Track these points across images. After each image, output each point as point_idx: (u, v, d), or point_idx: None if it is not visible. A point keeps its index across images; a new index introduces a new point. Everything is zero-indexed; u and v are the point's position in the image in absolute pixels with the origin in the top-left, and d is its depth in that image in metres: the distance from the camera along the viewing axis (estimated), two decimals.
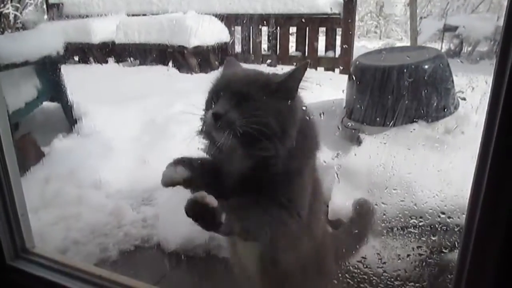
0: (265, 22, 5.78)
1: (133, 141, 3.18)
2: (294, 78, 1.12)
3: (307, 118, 1.20)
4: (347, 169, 2.13)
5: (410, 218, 1.71)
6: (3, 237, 1.22)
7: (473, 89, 1.84)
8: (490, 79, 0.63)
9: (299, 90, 1.17)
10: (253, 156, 1.09)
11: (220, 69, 1.32)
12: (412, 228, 1.69)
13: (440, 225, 1.62)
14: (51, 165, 2.82)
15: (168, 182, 1.13)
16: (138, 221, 2.39)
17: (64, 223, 2.33)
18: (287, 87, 1.12)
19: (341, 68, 5.46)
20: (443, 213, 1.64)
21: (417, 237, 1.65)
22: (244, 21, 5.80)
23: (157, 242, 2.21)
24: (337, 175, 1.99)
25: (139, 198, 2.60)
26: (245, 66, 1.36)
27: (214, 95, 1.15)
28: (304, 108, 1.19)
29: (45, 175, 2.69)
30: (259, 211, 1.11)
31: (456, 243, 1.54)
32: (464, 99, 1.73)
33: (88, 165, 2.83)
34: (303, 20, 5.66)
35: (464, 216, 0.68)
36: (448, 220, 1.61)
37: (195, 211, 0.98)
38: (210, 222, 1.00)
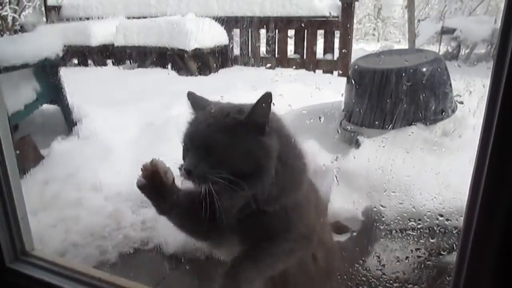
0: (264, 25, 5.80)
1: (132, 144, 3.18)
2: (260, 111, 1.06)
3: (292, 146, 1.17)
4: (346, 171, 2.13)
5: (408, 221, 1.71)
6: (3, 240, 1.22)
7: (471, 93, 1.84)
8: (487, 82, 0.63)
9: (276, 119, 1.15)
10: (236, 198, 1.10)
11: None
12: (411, 230, 1.69)
13: (439, 228, 1.62)
14: (50, 168, 2.82)
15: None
16: (137, 224, 2.39)
17: (63, 225, 2.33)
18: (255, 121, 1.06)
19: (339, 71, 5.47)
20: (441, 216, 1.65)
21: (415, 239, 1.65)
22: (243, 24, 5.82)
23: (157, 244, 2.21)
24: (336, 178, 2.00)
25: (138, 201, 2.58)
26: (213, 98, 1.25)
27: (185, 146, 1.13)
28: (288, 136, 1.17)
29: (44, 178, 2.69)
30: (268, 258, 1.12)
31: (454, 245, 1.54)
32: (461, 102, 1.74)
33: (87, 167, 2.82)
34: (302, 23, 5.68)
35: (462, 218, 0.68)
36: (446, 222, 1.61)
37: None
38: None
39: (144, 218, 2.43)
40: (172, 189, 1.17)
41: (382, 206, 1.76)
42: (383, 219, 1.66)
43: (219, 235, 1.20)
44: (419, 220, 1.71)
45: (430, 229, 1.64)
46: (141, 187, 1.18)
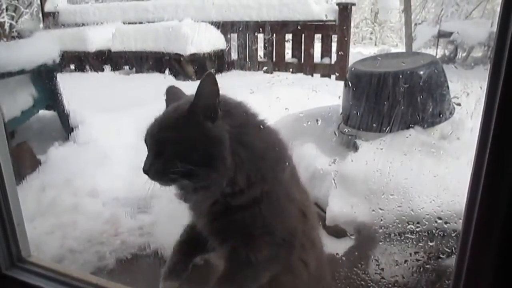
0: (261, 29, 5.81)
1: (130, 149, 3.16)
2: (203, 96, 1.02)
3: (261, 133, 1.11)
4: (343, 175, 2.13)
5: (407, 224, 1.70)
6: None
7: (468, 95, 1.84)
8: (484, 85, 0.63)
9: (232, 104, 1.10)
10: (203, 192, 1.07)
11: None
12: (410, 233, 1.68)
13: (437, 231, 1.62)
14: (47, 174, 2.81)
15: None
16: (135, 229, 2.38)
17: (61, 231, 2.32)
18: (200, 108, 1.02)
19: (337, 74, 5.48)
20: (440, 219, 1.64)
21: (414, 242, 1.64)
22: (240, 29, 5.83)
23: (155, 250, 2.20)
24: (334, 181, 1.99)
25: (136, 206, 2.59)
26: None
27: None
28: (254, 122, 1.12)
29: (41, 184, 2.68)
30: (250, 271, 1.09)
31: (453, 248, 1.53)
32: (459, 104, 1.74)
33: (84, 173, 2.82)
34: (299, 27, 5.70)
35: (461, 221, 0.68)
36: (445, 225, 1.60)
37: None
38: None
39: (141, 223, 2.43)
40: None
41: (380, 209, 1.76)
42: (378, 228, 1.64)
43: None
44: (418, 223, 1.70)
45: (429, 232, 1.63)
46: None
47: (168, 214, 2.36)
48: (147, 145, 1.09)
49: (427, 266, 1.56)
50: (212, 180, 1.03)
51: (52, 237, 2.27)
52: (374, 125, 2.29)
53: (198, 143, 1.02)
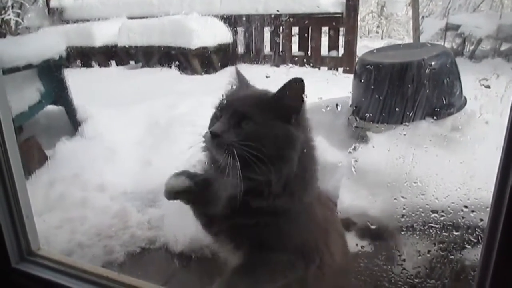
0: (267, 22, 5.76)
1: (137, 143, 3.17)
2: (287, 94, 1.07)
3: (312, 150, 1.16)
4: (350, 166, 2.10)
5: (431, 213, 1.65)
6: (8, 240, 1.20)
7: (498, 76, 1.79)
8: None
9: (303, 116, 1.12)
10: (248, 179, 1.05)
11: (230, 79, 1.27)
12: (433, 223, 1.63)
13: (463, 220, 1.57)
14: (55, 168, 2.81)
15: (171, 191, 1.16)
16: (143, 223, 2.37)
17: (69, 226, 2.31)
18: (283, 105, 1.07)
19: (345, 67, 5.43)
20: (466, 207, 1.59)
21: (438, 232, 1.60)
22: (247, 22, 5.79)
23: (164, 243, 2.19)
24: (354, 168, 1.94)
25: (144, 200, 2.58)
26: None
27: (218, 113, 1.14)
28: (311, 140, 1.15)
29: (49, 178, 2.67)
30: (265, 275, 1.09)
31: (479, 238, 1.49)
32: (488, 87, 1.69)
33: (92, 167, 2.81)
34: (306, 20, 5.65)
35: (488, 210, 0.64)
36: (471, 214, 1.56)
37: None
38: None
39: (150, 217, 2.41)
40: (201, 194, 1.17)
41: (403, 197, 1.71)
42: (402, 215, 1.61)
43: (220, 230, 1.18)
44: (443, 212, 1.64)
45: (454, 221, 1.59)
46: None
47: (176, 208, 2.34)
48: (221, 112, 1.10)
49: (452, 256, 1.52)
50: (266, 174, 1.03)
51: (61, 231, 2.26)
52: (385, 117, 2.26)
53: (278, 134, 1.04)
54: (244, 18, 5.77)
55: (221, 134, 1.03)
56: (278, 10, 5.69)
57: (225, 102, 1.14)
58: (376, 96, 2.29)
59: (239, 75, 1.25)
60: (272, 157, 1.03)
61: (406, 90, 2.20)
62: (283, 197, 1.08)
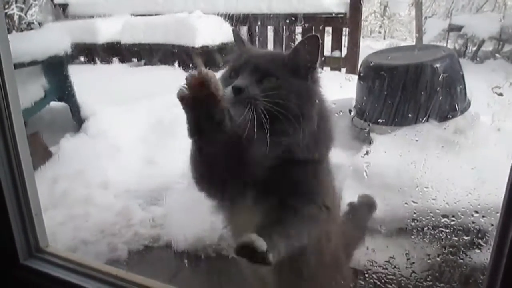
0: (271, 22, 5.76)
1: (141, 141, 3.17)
2: (301, 50, 1.09)
3: (326, 107, 1.17)
4: (357, 168, 2.11)
5: (441, 217, 1.66)
6: (17, 236, 1.21)
7: (511, 84, 1.80)
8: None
9: (317, 73, 1.13)
10: (272, 140, 1.02)
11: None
12: (444, 227, 1.64)
13: (473, 224, 1.58)
14: (59, 165, 2.81)
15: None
16: (146, 221, 2.38)
17: (73, 223, 2.32)
18: (300, 62, 1.09)
19: (347, 68, 5.43)
20: (477, 212, 1.60)
21: (448, 236, 1.61)
22: (250, 21, 5.79)
23: (167, 241, 2.20)
24: (365, 173, 1.95)
25: (147, 198, 2.59)
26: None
27: (233, 72, 1.12)
28: (323, 96, 1.16)
29: (53, 175, 2.68)
30: (296, 221, 1.07)
31: (489, 242, 1.49)
32: (501, 94, 1.70)
33: (95, 165, 2.82)
34: (309, 20, 5.64)
35: (498, 215, 0.65)
36: (481, 219, 1.57)
37: (244, 254, 0.95)
38: (259, 263, 0.95)
39: (153, 215, 2.42)
40: (222, 105, 0.99)
41: (413, 202, 1.72)
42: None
43: (239, 192, 1.13)
44: (453, 216, 1.64)
45: (464, 226, 1.60)
46: (183, 97, 1.00)
47: (179, 206, 2.36)
48: (239, 69, 1.09)
49: (461, 260, 1.53)
50: (292, 133, 1.04)
51: (65, 228, 2.27)
52: (389, 119, 2.27)
53: (299, 93, 1.05)
54: (247, 17, 5.77)
55: (245, 88, 1.01)
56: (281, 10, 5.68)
57: (241, 60, 1.12)
58: (381, 98, 2.29)
59: (238, 37, 1.24)
60: (295, 114, 1.03)
61: (411, 93, 2.21)
62: (307, 153, 1.09)
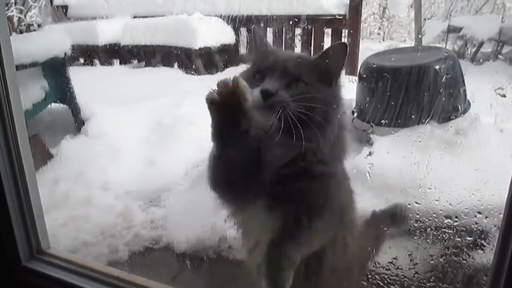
0: (271, 23, 5.76)
1: (141, 142, 3.17)
2: (329, 57, 1.09)
3: (345, 113, 1.18)
4: (358, 170, 2.11)
5: (444, 218, 1.67)
6: (18, 238, 1.21)
7: None
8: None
9: (340, 79, 1.13)
10: (295, 145, 1.02)
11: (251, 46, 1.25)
12: (447, 228, 1.64)
13: (476, 225, 1.58)
14: (59, 166, 2.81)
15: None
16: (147, 222, 2.37)
17: (73, 224, 2.32)
18: (327, 68, 1.09)
19: (347, 69, 5.42)
20: (480, 213, 1.61)
21: (451, 237, 1.61)
22: (250, 23, 5.79)
23: (167, 243, 2.19)
24: (368, 174, 1.95)
25: (148, 199, 2.59)
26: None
27: (258, 73, 1.10)
28: (343, 101, 1.15)
29: (53, 177, 2.68)
30: (309, 233, 1.07)
31: (492, 243, 1.50)
32: (504, 96, 1.71)
33: (96, 166, 2.82)
34: (309, 22, 5.64)
35: (501, 216, 0.66)
36: (484, 220, 1.57)
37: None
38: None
39: (153, 216, 2.42)
40: (249, 115, 0.97)
41: (417, 203, 1.72)
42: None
43: (254, 198, 1.12)
44: (456, 217, 1.64)
45: (467, 227, 1.60)
46: (212, 102, 0.97)
47: (180, 208, 2.36)
48: (262, 72, 1.08)
49: (464, 261, 1.53)
50: (315, 140, 1.03)
51: (66, 229, 2.26)
52: (390, 120, 2.27)
53: (326, 97, 1.05)
54: (247, 19, 5.77)
55: (276, 92, 1.00)
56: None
57: (267, 61, 1.10)
58: (384, 99, 2.30)
59: (259, 36, 1.22)
60: (320, 120, 1.02)
61: (414, 94, 2.21)
62: (328, 161, 1.08)
